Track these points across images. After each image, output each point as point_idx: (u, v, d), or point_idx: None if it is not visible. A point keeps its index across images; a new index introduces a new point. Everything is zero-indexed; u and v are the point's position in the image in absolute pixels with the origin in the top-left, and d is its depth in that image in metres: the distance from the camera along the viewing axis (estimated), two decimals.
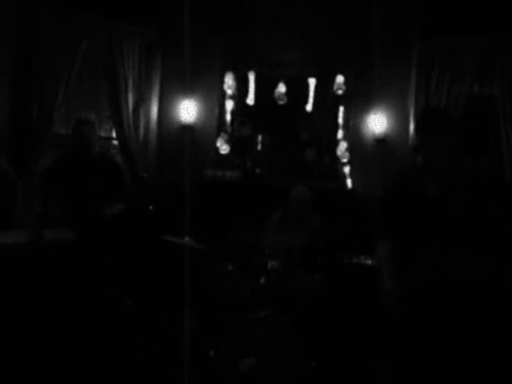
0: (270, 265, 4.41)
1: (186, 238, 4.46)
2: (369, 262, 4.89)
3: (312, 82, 6.63)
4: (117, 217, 5.13)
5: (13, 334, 4.16)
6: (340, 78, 6.54)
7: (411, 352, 2.89)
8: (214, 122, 6.65)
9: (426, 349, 2.84)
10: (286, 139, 6.78)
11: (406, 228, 2.94)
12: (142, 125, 6.44)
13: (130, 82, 6.32)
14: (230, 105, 6.67)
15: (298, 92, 6.63)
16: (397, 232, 3.01)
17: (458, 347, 2.84)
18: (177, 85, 6.52)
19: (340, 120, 6.64)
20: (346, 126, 6.60)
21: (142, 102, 6.43)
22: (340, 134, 6.62)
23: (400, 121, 6.21)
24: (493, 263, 2.79)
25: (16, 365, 3.88)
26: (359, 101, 6.50)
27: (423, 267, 2.80)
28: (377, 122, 6.33)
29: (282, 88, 6.56)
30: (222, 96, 6.66)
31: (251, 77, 6.64)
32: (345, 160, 6.52)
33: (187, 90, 6.39)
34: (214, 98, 6.64)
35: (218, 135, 6.61)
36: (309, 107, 6.67)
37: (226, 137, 6.61)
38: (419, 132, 2.95)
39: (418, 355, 2.86)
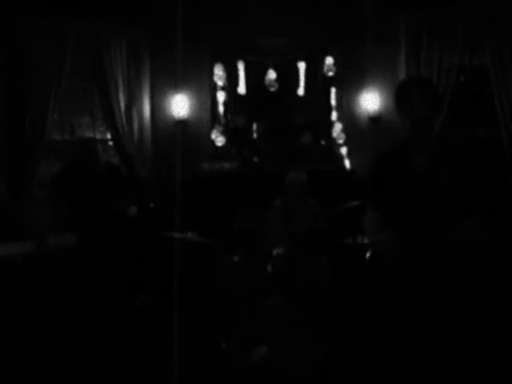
0: (275, 252, 4.41)
1: (189, 234, 4.46)
2: None
3: (302, 65, 6.61)
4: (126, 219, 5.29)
5: (19, 341, 4.20)
6: (329, 60, 6.52)
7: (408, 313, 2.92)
8: (207, 114, 6.64)
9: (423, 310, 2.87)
10: (280, 125, 6.77)
11: (394, 200, 2.96)
12: (135, 123, 6.43)
13: (120, 82, 6.31)
14: (221, 96, 6.65)
15: (288, 77, 6.61)
16: (385, 204, 3.03)
17: (456, 307, 2.85)
18: (167, 81, 6.49)
19: (333, 101, 6.63)
20: (339, 107, 6.60)
21: (133, 100, 6.42)
22: (334, 115, 6.61)
23: (393, 97, 6.17)
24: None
25: (24, 370, 3.92)
26: (351, 80, 6.48)
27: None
28: (370, 101, 6.32)
29: (272, 74, 6.53)
30: (213, 88, 6.64)
31: (240, 66, 6.63)
32: (341, 141, 6.51)
33: (178, 85, 6.37)
34: (205, 90, 6.62)
35: (212, 127, 6.60)
36: (301, 91, 6.65)
37: (220, 128, 6.60)
38: (396, 101, 2.97)
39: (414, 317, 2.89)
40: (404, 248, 2.86)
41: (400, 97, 2.97)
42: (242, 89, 6.66)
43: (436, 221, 2.84)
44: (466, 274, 2.88)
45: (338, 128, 6.52)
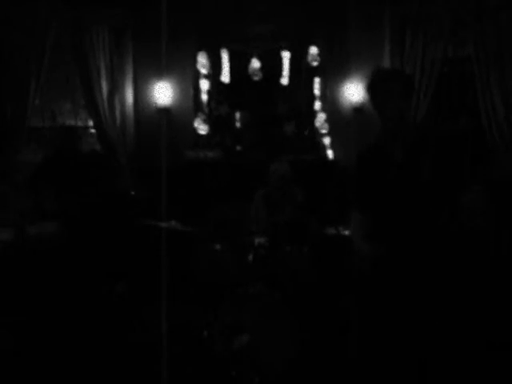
0: (256, 242, 4.42)
1: (172, 222, 4.45)
2: None
3: (286, 55, 6.58)
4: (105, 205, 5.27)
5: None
6: (313, 49, 6.50)
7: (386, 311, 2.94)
8: (190, 102, 6.60)
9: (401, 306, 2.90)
10: (263, 114, 6.75)
11: (375, 195, 2.97)
12: (117, 111, 6.39)
13: (103, 69, 6.26)
14: (205, 84, 6.60)
15: (272, 66, 6.58)
16: (367, 200, 3.04)
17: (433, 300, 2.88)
18: (150, 68, 6.45)
19: (316, 91, 6.62)
20: (323, 97, 6.59)
21: (115, 87, 6.37)
22: (317, 105, 6.60)
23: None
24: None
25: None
26: (334, 71, 6.48)
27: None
28: (354, 91, 6.32)
29: (255, 63, 6.50)
30: (197, 76, 6.59)
31: (224, 54, 6.58)
32: (324, 131, 6.51)
33: (161, 73, 6.33)
34: (188, 78, 6.58)
35: (195, 116, 6.57)
36: (284, 81, 6.63)
37: (203, 117, 6.56)
38: (369, 93, 2.98)
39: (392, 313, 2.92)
40: (387, 260, 2.88)
41: (373, 89, 2.97)
42: (225, 77, 6.62)
43: (417, 213, 2.86)
44: (449, 268, 2.90)
45: (321, 118, 6.52)
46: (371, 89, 2.97)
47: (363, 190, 3.09)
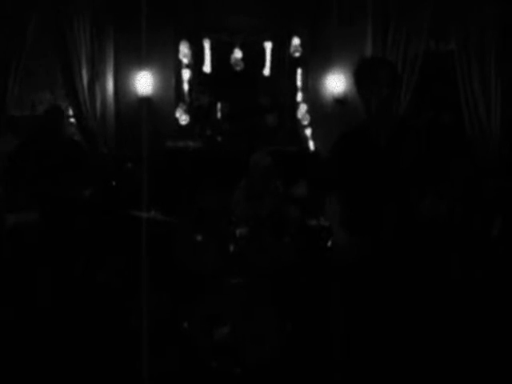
0: (238, 232, 4.41)
1: (152, 212, 4.43)
2: None
3: (268, 45, 6.57)
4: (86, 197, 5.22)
5: None
6: (296, 41, 6.49)
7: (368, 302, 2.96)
8: (171, 92, 6.57)
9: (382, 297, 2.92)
10: (245, 105, 6.74)
11: (353, 179, 2.99)
12: (98, 100, 6.33)
13: (83, 58, 6.19)
14: (186, 74, 6.57)
15: (254, 57, 6.57)
16: (344, 184, 3.06)
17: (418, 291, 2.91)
18: (131, 57, 6.40)
19: (298, 82, 6.61)
20: (305, 89, 6.59)
21: (96, 77, 6.30)
22: (299, 96, 6.60)
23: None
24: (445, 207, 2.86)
25: None
26: (317, 62, 6.48)
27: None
28: (335, 83, 6.33)
29: (237, 54, 6.48)
30: (178, 65, 6.55)
31: (206, 44, 6.55)
32: (305, 122, 6.52)
33: (142, 62, 6.28)
34: (169, 68, 6.54)
35: (176, 105, 6.54)
36: (266, 71, 6.62)
37: (184, 107, 6.54)
38: (355, 81, 2.99)
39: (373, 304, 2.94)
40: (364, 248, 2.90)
41: (360, 76, 2.98)
42: (207, 67, 6.60)
43: (394, 199, 2.88)
44: (428, 253, 2.93)
45: (303, 109, 6.53)
46: (357, 76, 2.98)
47: (341, 169, 3.10)
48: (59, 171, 5.15)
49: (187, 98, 6.60)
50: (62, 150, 5.26)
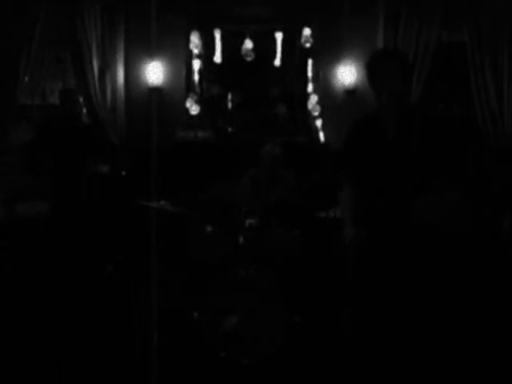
0: (247, 223, 4.41)
1: (162, 202, 4.43)
2: None
3: (279, 36, 6.54)
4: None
5: None
6: (307, 31, 6.47)
7: (375, 298, 2.95)
8: (181, 82, 6.56)
9: (390, 295, 2.91)
10: (256, 96, 6.72)
11: (365, 169, 2.98)
12: (108, 91, 6.33)
13: (94, 49, 6.19)
14: (197, 64, 6.56)
15: (265, 47, 6.55)
16: (356, 174, 3.06)
17: (421, 292, 2.90)
18: (142, 47, 6.40)
19: (309, 73, 6.59)
20: (315, 79, 6.57)
21: (107, 67, 6.30)
22: (310, 87, 6.58)
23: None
24: (460, 198, 2.83)
25: None
26: (328, 53, 6.45)
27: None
28: (346, 74, 6.30)
29: (248, 44, 6.46)
30: (189, 56, 6.55)
31: (217, 34, 6.54)
32: (316, 113, 6.50)
33: (153, 52, 6.28)
34: (180, 58, 6.53)
35: (186, 96, 6.53)
36: (277, 62, 6.60)
37: (195, 97, 6.53)
38: (368, 73, 2.97)
39: (381, 301, 2.93)
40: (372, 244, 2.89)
41: (373, 68, 2.96)
42: (217, 58, 6.58)
43: (403, 190, 2.87)
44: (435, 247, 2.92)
45: (313, 100, 6.50)
46: (370, 68, 2.96)
47: (352, 160, 3.10)
48: (78, 151, 5.18)
49: (198, 89, 6.59)
50: (79, 131, 5.28)
